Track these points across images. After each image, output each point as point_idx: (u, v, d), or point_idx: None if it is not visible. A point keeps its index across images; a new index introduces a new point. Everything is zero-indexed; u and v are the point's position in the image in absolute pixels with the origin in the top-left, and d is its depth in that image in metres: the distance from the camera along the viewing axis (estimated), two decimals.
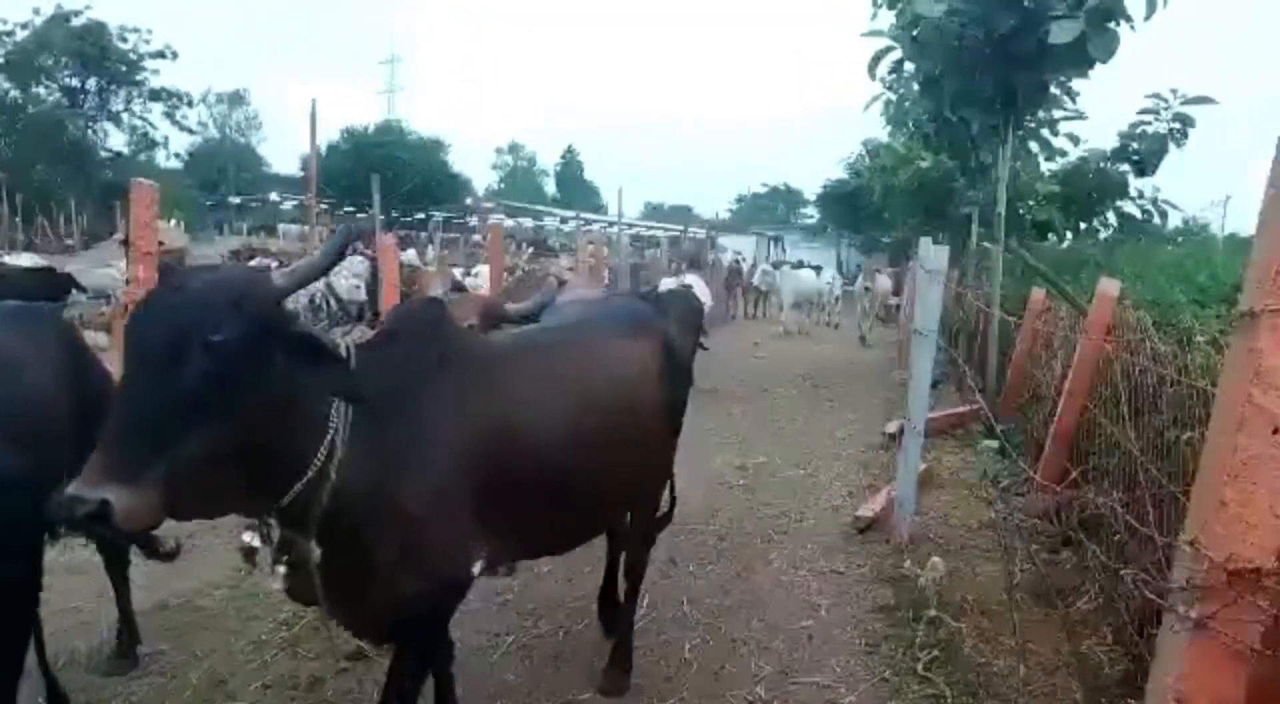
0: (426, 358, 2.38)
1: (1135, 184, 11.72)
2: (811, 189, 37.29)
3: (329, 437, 2.08)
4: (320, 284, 14.17)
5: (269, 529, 2.12)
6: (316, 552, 2.11)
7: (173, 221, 34.10)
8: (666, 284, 11.71)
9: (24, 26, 38.17)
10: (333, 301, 14.16)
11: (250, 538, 2.13)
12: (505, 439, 2.46)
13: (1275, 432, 1.61)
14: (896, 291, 18.51)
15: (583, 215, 30.04)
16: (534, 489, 2.56)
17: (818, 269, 26.50)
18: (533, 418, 2.58)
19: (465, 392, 2.42)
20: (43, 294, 11.93)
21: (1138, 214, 12.02)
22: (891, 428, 7.83)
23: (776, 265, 24.13)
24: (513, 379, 2.60)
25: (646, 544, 3.78)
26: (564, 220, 42.45)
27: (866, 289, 19.02)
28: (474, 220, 43.94)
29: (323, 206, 39.16)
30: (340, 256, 2.26)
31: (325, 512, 2.08)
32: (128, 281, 5.38)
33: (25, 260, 14.30)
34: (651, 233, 41.96)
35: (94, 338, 13.72)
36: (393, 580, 2.25)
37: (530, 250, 26.95)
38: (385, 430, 2.21)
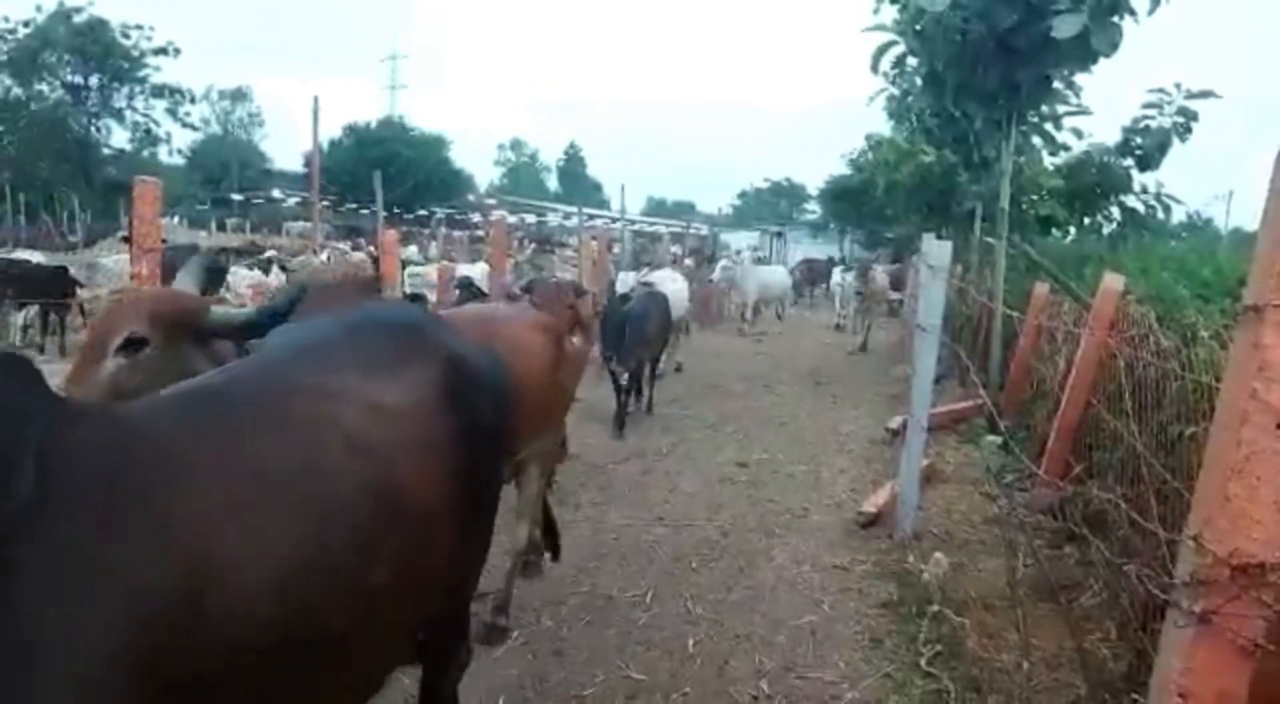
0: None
1: (1139, 178, 11.69)
2: (814, 184, 37.28)
3: None
4: None
5: None
6: None
7: (175, 219, 34.21)
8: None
9: (26, 24, 38.26)
10: None
11: None
12: (164, 613, 1.38)
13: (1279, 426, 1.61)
14: (897, 287, 17.99)
15: (585, 211, 29.99)
16: (233, 677, 1.49)
17: (831, 261, 25.53)
18: (212, 562, 1.47)
19: (74, 538, 1.32)
20: (58, 291, 12.11)
21: (1141, 209, 11.97)
22: (894, 423, 7.83)
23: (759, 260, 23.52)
24: (168, 493, 1.48)
25: (458, 670, 2.73)
26: (566, 216, 42.43)
27: (859, 294, 15.91)
28: (476, 216, 43.93)
29: (325, 203, 39.23)
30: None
31: None
32: (131, 277, 5.39)
33: (37, 258, 14.39)
34: (654, 228, 41.94)
35: None
36: None
37: (533, 247, 26.94)
38: None
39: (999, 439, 6.69)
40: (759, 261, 21.91)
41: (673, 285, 10.61)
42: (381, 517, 1.84)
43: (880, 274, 16.90)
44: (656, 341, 9.05)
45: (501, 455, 2.62)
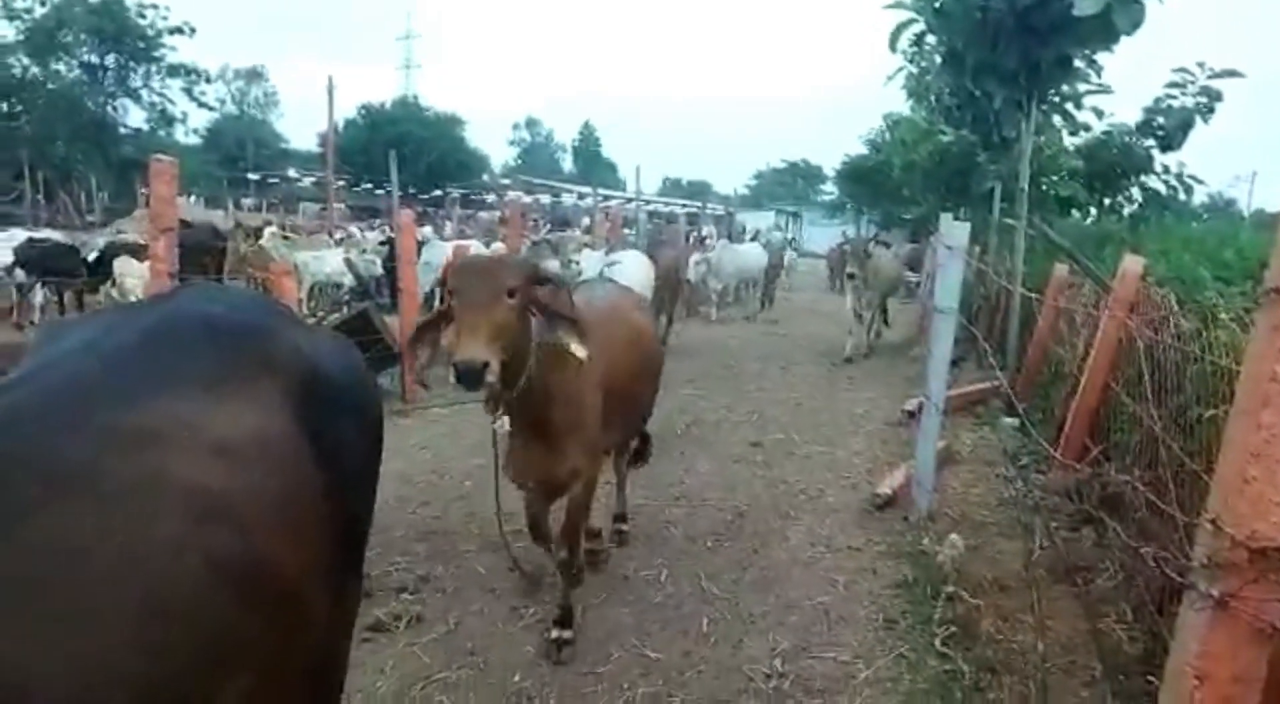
0: None
1: (1160, 159, 11.56)
2: (831, 165, 37.04)
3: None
4: (339, 260, 14.27)
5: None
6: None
7: (192, 198, 34.35)
8: (590, 264, 10.28)
9: (43, 3, 38.28)
10: (350, 277, 14.27)
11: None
12: None
13: None
14: (914, 268, 17.55)
15: (600, 191, 29.91)
16: None
17: (883, 244, 21.15)
18: None
19: None
20: (72, 269, 12.26)
21: (1162, 189, 11.84)
22: (911, 405, 7.81)
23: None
24: None
25: None
26: (581, 197, 42.36)
27: (851, 277, 11.45)
28: (491, 197, 43.92)
29: (340, 183, 39.33)
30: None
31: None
32: (147, 256, 5.43)
33: (56, 237, 14.54)
34: (669, 209, 41.83)
35: None
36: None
37: (548, 227, 26.90)
38: None
39: (1016, 421, 6.68)
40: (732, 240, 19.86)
41: (639, 273, 9.48)
42: (242, 609, 1.34)
43: (884, 254, 12.85)
44: None
45: (371, 488, 1.98)
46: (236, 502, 1.40)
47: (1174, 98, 10.42)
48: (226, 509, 1.37)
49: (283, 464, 1.54)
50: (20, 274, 12.32)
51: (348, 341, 2.09)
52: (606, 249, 12.23)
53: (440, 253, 13.44)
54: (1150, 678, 3.07)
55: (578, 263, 10.52)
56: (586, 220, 24.69)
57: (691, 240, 19.43)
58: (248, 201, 40.37)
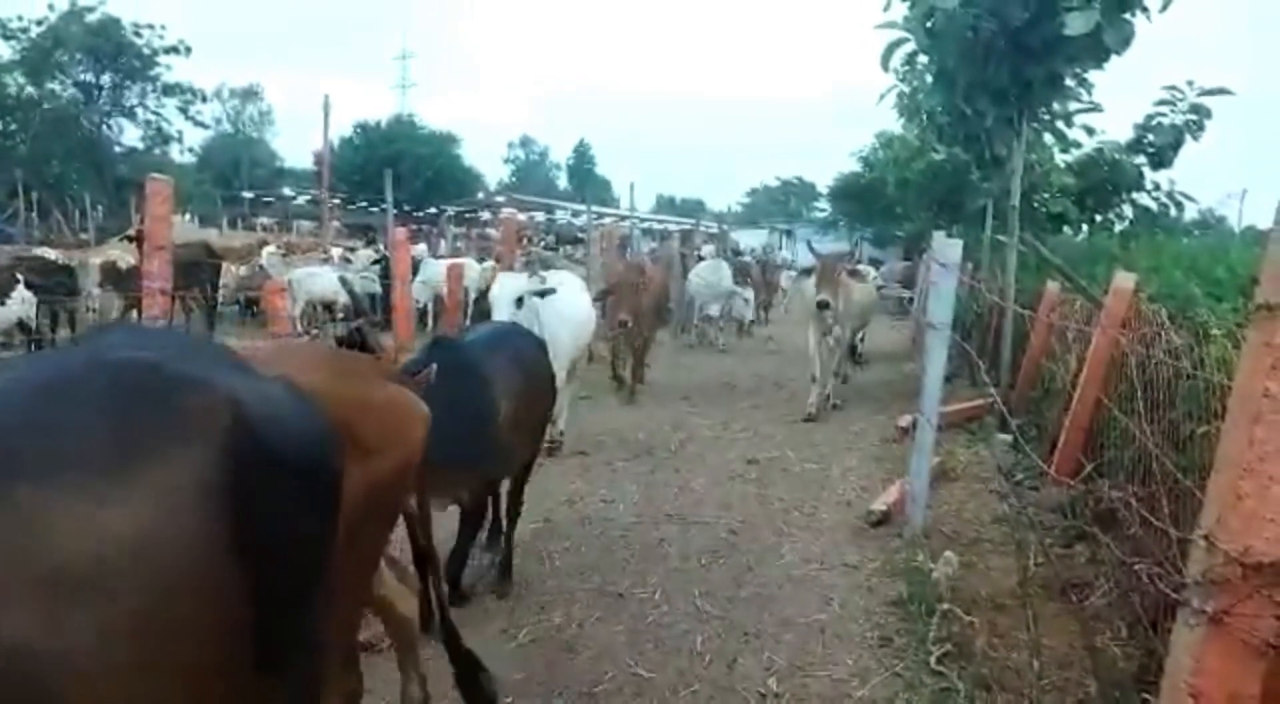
0: None
1: (1151, 176, 11.65)
2: (825, 182, 37.16)
3: None
4: (333, 278, 14.28)
5: None
6: None
7: (186, 216, 34.35)
8: (506, 290, 6.49)
9: (39, 23, 38.39)
10: (345, 296, 14.27)
11: None
12: None
13: None
14: (908, 285, 17.53)
15: (595, 209, 29.98)
16: None
17: (874, 264, 19.42)
18: None
19: None
20: (66, 288, 12.16)
21: (1153, 206, 11.94)
22: (904, 422, 7.81)
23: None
24: None
25: None
26: (575, 214, 42.43)
27: (824, 306, 8.64)
28: (486, 214, 43.99)
29: (335, 201, 39.37)
30: None
31: None
32: (141, 274, 5.42)
33: (51, 255, 14.45)
34: (663, 226, 41.92)
35: None
36: None
37: (543, 242, 26.93)
38: None
39: (1009, 437, 6.66)
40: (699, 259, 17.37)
41: (577, 304, 7.25)
42: None
43: (853, 280, 9.43)
44: (503, 449, 4.11)
45: (316, 558, 1.54)
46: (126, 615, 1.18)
47: (1164, 115, 10.53)
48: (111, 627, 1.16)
49: (193, 551, 1.27)
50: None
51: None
52: (530, 269, 8.56)
53: (434, 271, 13.44)
54: (1146, 695, 3.05)
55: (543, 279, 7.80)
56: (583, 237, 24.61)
57: (686, 261, 17.27)
58: (261, 222, 40.27)
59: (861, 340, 12.58)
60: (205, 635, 1.28)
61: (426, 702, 3.05)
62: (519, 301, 6.30)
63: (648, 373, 10.37)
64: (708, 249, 24.13)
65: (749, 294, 16.20)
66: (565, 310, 6.78)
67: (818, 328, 9.11)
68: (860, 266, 11.09)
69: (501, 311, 6.24)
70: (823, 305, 8.68)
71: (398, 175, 20.06)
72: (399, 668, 3.07)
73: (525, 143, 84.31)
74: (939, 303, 5.38)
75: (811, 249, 10.02)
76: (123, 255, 12.70)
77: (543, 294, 6.44)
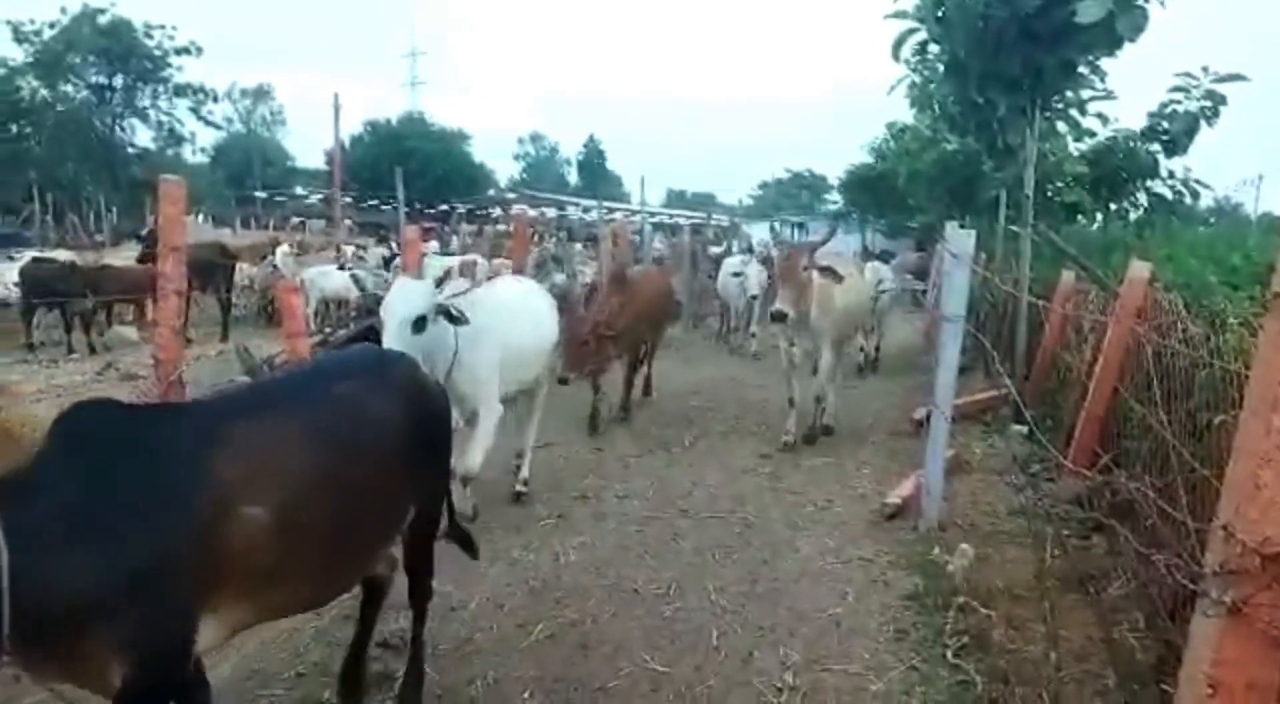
0: None
1: (1166, 164, 11.55)
2: (836, 175, 36.99)
3: None
4: (345, 277, 14.33)
5: None
6: None
7: (200, 216, 34.52)
8: (402, 305, 4.56)
9: (52, 25, 38.71)
10: (356, 293, 14.32)
11: None
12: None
13: None
14: (921, 277, 17.37)
15: (605, 204, 29.93)
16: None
17: (884, 257, 17.36)
18: None
19: None
20: (77, 290, 12.25)
21: (1168, 194, 11.84)
22: (919, 414, 7.77)
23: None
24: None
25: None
26: (586, 210, 42.45)
27: (779, 317, 6.56)
28: (496, 211, 44.07)
29: (347, 199, 39.51)
30: None
31: None
32: (156, 275, 5.46)
33: (65, 257, 14.58)
34: (674, 220, 41.86)
35: (125, 332, 13.91)
36: None
37: (555, 238, 26.91)
38: None
39: (1025, 429, 6.64)
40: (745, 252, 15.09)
41: (512, 323, 5.40)
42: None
43: (827, 278, 6.84)
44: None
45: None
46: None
47: (1178, 102, 10.42)
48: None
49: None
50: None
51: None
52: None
53: (440, 269, 13.45)
54: (1164, 686, 3.04)
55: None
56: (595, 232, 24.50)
57: (698, 259, 16.43)
58: (281, 228, 40.38)
59: (877, 348, 11.52)
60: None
61: None
62: (418, 324, 4.46)
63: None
64: (723, 246, 23.91)
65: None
66: (498, 336, 5.02)
67: (787, 341, 7.39)
68: (846, 259, 8.84)
69: (391, 336, 4.39)
70: (777, 317, 6.59)
71: (408, 173, 20.07)
72: None
73: (535, 139, 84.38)
74: (952, 294, 5.35)
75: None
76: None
77: (454, 319, 4.61)
